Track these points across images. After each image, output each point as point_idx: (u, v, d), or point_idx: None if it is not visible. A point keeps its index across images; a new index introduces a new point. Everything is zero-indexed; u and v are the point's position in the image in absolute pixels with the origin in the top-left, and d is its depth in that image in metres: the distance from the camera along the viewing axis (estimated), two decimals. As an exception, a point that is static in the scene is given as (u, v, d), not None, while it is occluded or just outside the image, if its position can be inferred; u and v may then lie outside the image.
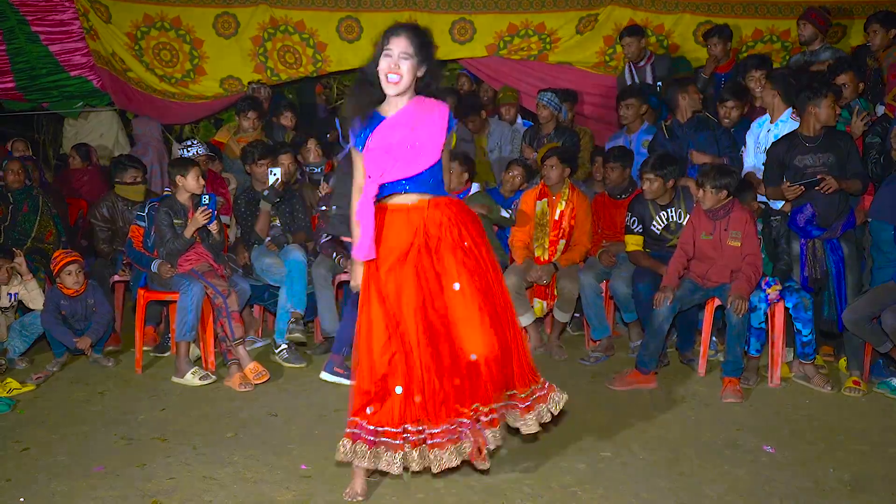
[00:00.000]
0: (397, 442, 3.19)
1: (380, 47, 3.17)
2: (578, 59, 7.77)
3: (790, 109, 5.26)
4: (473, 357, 3.17)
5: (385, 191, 3.28)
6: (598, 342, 5.45)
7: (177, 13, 7.81)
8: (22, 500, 3.39)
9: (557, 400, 3.45)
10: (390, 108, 3.24)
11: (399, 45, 3.12)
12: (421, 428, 3.20)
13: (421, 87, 3.26)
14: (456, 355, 3.20)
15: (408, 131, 3.19)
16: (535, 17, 7.71)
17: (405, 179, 3.24)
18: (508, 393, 3.35)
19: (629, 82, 7.11)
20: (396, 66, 3.13)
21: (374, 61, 3.19)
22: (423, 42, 3.17)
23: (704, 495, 3.38)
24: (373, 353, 3.21)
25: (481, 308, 3.20)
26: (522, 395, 3.37)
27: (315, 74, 8.08)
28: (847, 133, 5.10)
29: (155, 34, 7.87)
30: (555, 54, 7.81)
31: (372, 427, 3.20)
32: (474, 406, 3.21)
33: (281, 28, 7.82)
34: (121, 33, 7.86)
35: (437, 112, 3.26)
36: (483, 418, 3.22)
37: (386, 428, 3.19)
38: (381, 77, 3.15)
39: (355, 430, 3.24)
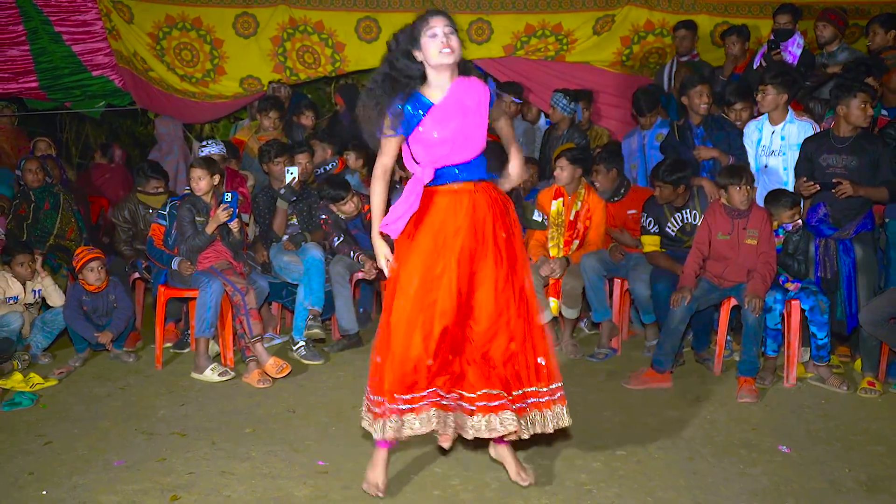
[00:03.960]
0: (424, 404, 3.13)
1: (416, 33, 3.16)
2: (595, 59, 7.77)
3: (792, 111, 5.22)
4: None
5: (436, 177, 3.24)
6: (599, 325, 5.48)
7: (198, 13, 7.88)
8: (44, 492, 3.44)
9: (559, 413, 3.30)
10: (435, 93, 3.21)
11: (440, 23, 3.13)
12: (452, 395, 3.16)
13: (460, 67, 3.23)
14: (472, 339, 3.21)
15: (461, 118, 3.17)
16: (552, 17, 7.69)
17: (457, 166, 3.22)
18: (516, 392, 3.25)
19: (666, 80, 7.08)
20: (447, 39, 3.11)
21: (402, 53, 3.18)
22: (455, 24, 3.19)
23: (720, 495, 3.39)
24: (412, 338, 3.14)
25: (505, 302, 3.21)
26: (531, 390, 3.27)
27: (334, 74, 8.13)
28: (882, 139, 5.00)
29: (176, 34, 7.95)
30: (572, 55, 7.79)
31: (398, 396, 3.13)
32: (482, 392, 3.16)
33: (300, 28, 7.87)
34: (143, 33, 7.94)
35: (481, 92, 3.24)
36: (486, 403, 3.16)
37: (413, 395, 3.13)
38: (432, 54, 3.12)
39: (381, 408, 3.18)
